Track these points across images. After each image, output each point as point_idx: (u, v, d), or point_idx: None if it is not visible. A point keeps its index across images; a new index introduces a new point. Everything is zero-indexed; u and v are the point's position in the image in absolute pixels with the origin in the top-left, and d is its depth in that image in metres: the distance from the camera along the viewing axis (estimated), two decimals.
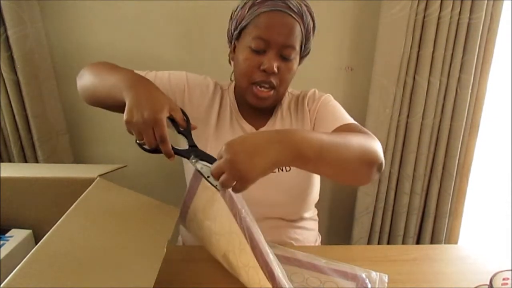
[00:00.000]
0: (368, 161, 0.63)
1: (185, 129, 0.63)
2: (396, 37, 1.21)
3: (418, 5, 1.19)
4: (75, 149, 1.36)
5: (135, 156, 1.40)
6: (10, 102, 1.16)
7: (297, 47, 0.75)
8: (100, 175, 0.60)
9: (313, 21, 0.77)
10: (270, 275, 0.53)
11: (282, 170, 0.80)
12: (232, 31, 0.78)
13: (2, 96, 1.15)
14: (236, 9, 0.77)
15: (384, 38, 1.22)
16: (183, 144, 0.63)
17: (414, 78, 1.28)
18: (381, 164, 0.65)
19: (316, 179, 0.86)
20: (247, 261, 0.56)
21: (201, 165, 0.58)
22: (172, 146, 0.59)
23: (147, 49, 1.27)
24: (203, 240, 0.66)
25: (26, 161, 1.25)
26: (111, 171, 0.64)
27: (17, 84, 1.15)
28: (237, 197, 0.58)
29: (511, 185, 1.47)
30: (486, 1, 1.18)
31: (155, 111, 0.57)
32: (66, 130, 1.30)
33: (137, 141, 0.61)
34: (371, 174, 0.65)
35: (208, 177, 0.56)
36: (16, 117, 1.18)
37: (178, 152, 0.60)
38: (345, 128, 0.74)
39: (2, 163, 0.84)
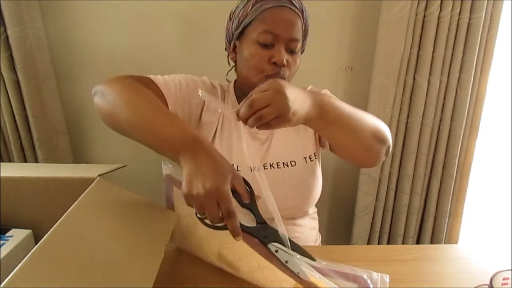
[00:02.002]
0: (381, 139, 0.68)
1: (250, 203, 0.54)
2: (396, 37, 1.21)
3: (418, 5, 1.19)
4: (75, 149, 1.36)
5: (135, 156, 1.40)
6: (10, 102, 1.16)
7: (300, 41, 0.77)
8: (100, 175, 0.60)
9: (308, 18, 0.80)
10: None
11: (288, 165, 0.81)
12: (233, 30, 0.79)
13: (2, 96, 1.15)
14: (236, 9, 0.78)
15: (384, 38, 1.22)
16: (246, 217, 0.54)
17: (414, 78, 1.28)
18: (389, 147, 0.71)
19: (320, 174, 0.87)
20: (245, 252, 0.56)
21: (275, 247, 0.52)
22: (240, 222, 0.51)
23: (147, 48, 1.27)
24: (194, 246, 0.65)
25: (26, 161, 1.25)
26: (111, 171, 0.64)
27: (17, 84, 1.15)
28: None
29: (511, 185, 1.47)
30: (486, 1, 1.18)
31: (219, 181, 0.49)
32: (66, 130, 1.30)
33: (198, 215, 0.52)
34: (381, 153, 0.70)
35: (286, 262, 0.51)
36: (16, 117, 1.18)
37: (246, 230, 0.52)
38: None
39: (2, 163, 0.84)
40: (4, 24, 1.08)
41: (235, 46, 0.81)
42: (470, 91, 1.28)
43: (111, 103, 0.62)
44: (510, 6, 1.24)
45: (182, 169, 0.52)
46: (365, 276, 0.63)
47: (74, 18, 1.22)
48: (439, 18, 1.20)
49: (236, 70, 0.85)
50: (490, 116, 1.39)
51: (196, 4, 1.23)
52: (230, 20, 0.80)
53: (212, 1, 1.23)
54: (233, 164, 0.77)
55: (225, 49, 0.85)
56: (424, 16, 1.20)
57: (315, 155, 0.85)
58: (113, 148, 1.39)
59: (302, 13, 0.76)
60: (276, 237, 0.53)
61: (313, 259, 0.51)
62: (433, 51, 1.24)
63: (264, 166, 0.80)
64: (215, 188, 0.48)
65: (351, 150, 0.71)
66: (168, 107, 0.73)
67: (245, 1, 0.76)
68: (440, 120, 1.34)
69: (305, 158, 0.83)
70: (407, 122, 1.34)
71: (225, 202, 0.48)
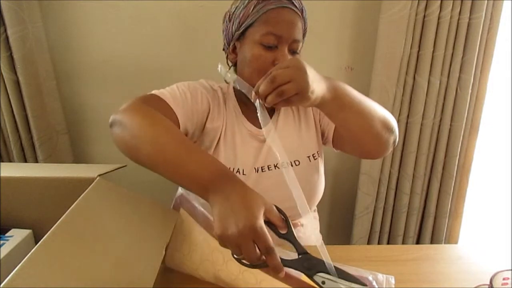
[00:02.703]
0: (389, 127, 0.72)
1: (287, 233, 0.50)
2: (396, 37, 1.21)
3: (418, 5, 1.19)
4: (75, 149, 1.36)
5: None
6: (10, 102, 1.16)
7: (302, 41, 0.77)
8: (100, 175, 0.60)
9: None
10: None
11: (292, 165, 0.81)
12: (233, 31, 0.78)
13: (2, 96, 1.15)
14: (235, 10, 0.77)
15: (384, 38, 1.22)
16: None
17: (414, 78, 1.28)
18: (396, 137, 0.74)
19: (323, 172, 0.87)
20: (238, 268, 0.56)
21: (322, 278, 0.49)
22: (280, 257, 0.47)
23: (146, 48, 1.27)
24: (192, 272, 0.65)
25: (26, 161, 1.25)
26: (111, 171, 0.64)
27: (17, 84, 1.15)
28: None
29: (511, 185, 1.47)
30: (486, 1, 1.18)
31: (252, 219, 0.45)
32: (66, 130, 1.30)
33: (234, 256, 0.48)
34: (389, 142, 0.73)
35: None
36: (16, 117, 1.18)
37: (288, 264, 0.48)
38: None
39: (2, 163, 0.84)
40: (4, 24, 1.08)
41: (234, 47, 0.80)
42: (470, 91, 1.28)
43: (131, 136, 0.59)
44: (510, 6, 1.24)
45: (212, 208, 0.49)
46: (370, 278, 0.63)
47: (74, 18, 1.22)
48: (439, 18, 1.20)
49: (235, 71, 0.85)
50: (490, 116, 1.39)
51: (196, 4, 1.23)
52: (229, 21, 0.79)
53: (212, 1, 1.23)
54: (238, 169, 0.77)
55: (223, 50, 0.85)
56: (424, 16, 1.20)
57: (318, 154, 0.85)
58: (113, 148, 1.38)
59: (302, 13, 0.76)
60: (321, 266, 0.49)
61: (364, 285, 0.48)
62: (433, 51, 1.24)
63: (268, 167, 0.80)
64: (249, 226, 0.45)
65: (361, 137, 0.71)
66: (179, 123, 0.70)
67: (246, 2, 0.75)
68: (440, 120, 1.34)
69: (308, 157, 0.83)
70: (407, 122, 1.34)
71: (262, 240, 0.45)
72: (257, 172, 0.79)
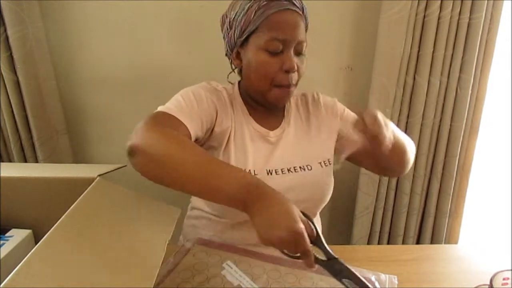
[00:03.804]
0: (413, 155, 0.82)
1: (317, 239, 0.55)
2: (396, 37, 1.21)
3: (418, 5, 1.19)
4: (75, 149, 1.36)
5: None
6: (10, 102, 1.16)
7: (306, 41, 0.77)
8: (100, 175, 0.60)
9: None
10: None
11: (304, 169, 0.81)
12: (236, 38, 0.77)
13: (2, 96, 1.15)
14: (235, 16, 0.76)
15: (384, 38, 1.22)
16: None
17: (414, 78, 1.28)
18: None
19: (332, 178, 0.86)
20: None
21: (348, 284, 0.53)
22: (314, 255, 0.53)
23: (146, 49, 1.27)
24: None
25: (26, 161, 1.25)
26: (111, 171, 0.64)
27: (17, 84, 1.15)
28: None
29: (511, 185, 1.47)
30: (486, 1, 1.18)
31: (294, 224, 0.49)
32: (66, 130, 1.30)
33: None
34: (410, 165, 0.83)
35: None
36: (16, 117, 1.18)
37: (319, 263, 0.54)
38: None
39: (2, 163, 0.84)
40: (4, 24, 1.08)
41: (238, 53, 0.80)
42: (470, 91, 1.28)
43: (157, 163, 0.58)
44: (510, 6, 1.24)
45: (252, 218, 0.51)
46: (373, 278, 0.63)
47: (74, 18, 1.22)
48: (439, 18, 1.20)
49: (240, 75, 0.84)
50: (490, 116, 1.39)
51: (196, 4, 1.23)
52: (230, 28, 0.78)
53: (212, 1, 1.23)
54: (249, 170, 0.76)
55: (226, 55, 0.84)
56: (424, 16, 1.20)
57: (329, 161, 0.85)
58: (113, 148, 1.39)
59: (303, 11, 0.75)
60: (347, 273, 0.53)
61: None
62: (433, 51, 1.24)
63: (282, 171, 0.79)
64: (293, 232, 0.49)
65: (395, 167, 0.83)
66: (190, 136, 0.69)
67: (245, 8, 0.74)
68: (440, 120, 1.34)
69: (319, 163, 0.83)
70: (407, 122, 1.34)
71: (301, 243, 0.49)
72: (269, 174, 0.78)
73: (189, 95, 0.75)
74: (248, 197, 0.52)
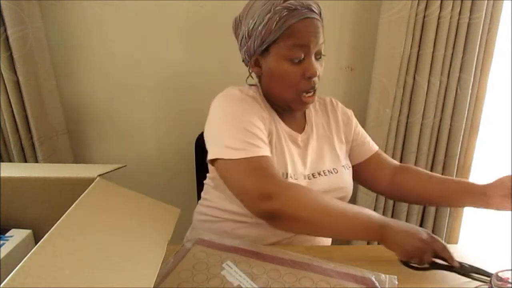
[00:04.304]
0: None
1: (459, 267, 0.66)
2: (396, 37, 1.21)
3: (418, 5, 1.19)
4: (75, 149, 1.36)
5: (135, 156, 1.40)
6: (10, 102, 1.16)
7: (324, 42, 0.79)
8: (100, 175, 0.60)
9: None
10: None
11: (332, 172, 0.84)
12: (255, 47, 0.77)
13: (2, 96, 1.15)
14: (254, 26, 0.75)
15: (384, 38, 1.22)
16: None
17: (414, 78, 1.28)
18: None
19: (352, 179, 0.90)
20: None
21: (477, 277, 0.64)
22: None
23: (146, 48, 1.28)
24: None
25: (26, 161, 1.25)
26: (111, 171, 0.64)
27: (17, 84, 1.15)
28: None
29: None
30: (486, 1, 1.18)
31: (423, 232, 0.65)
32: (66, 130, 1.30)
33: (402, 260, 0.66)
34: None
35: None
36: (16, 117, 1.18)
37: (448, 269, 0.66)
38: (379, 155, 0.94)
39: (2, 163, 0.84)
40: (4, 24, 1.08)
41: (257, 61, 0.80)
42: (470, 91, 1.28)
43: (304, 226, 0.69)
44: (510, 6, 1.24)
45: (387, 243, 0.65)
46: (373, 278, 0.63)
47: (74, 18, 1.22)
48: (439, 18, 1.20)
49: (259, 81, 0.85)
50: (490, 116, 1.38)
51: (196, 4, 1.23)
52: (249, 37, 0.77)
53: (212, 1, 1.23)
54: (288, 174, 0.77)
55: (243, 61, 0.84)
56: (424, 16, 1.21)
57: (348, 165, 0.89)
58: (113, 148, 1.39)
59: (320, 15, 0.76)
60: (475, 269, 0.65)
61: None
62: (433, 51, 1.24)
63: (313, 175, 0.81)
64: (428, 236, 0.65)
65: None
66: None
67: (266, 18, 0.73)
68: (440, 120, 1.34)
69: (343, 166, 0.86)
70: (407, 122, 1.34)
71: (438, 241, 0.65)
72: (306, 179, 0.80)
73: (247, 120, 0.73)
74: (380, 237, 0.65)
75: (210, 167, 0.85)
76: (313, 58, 0.75)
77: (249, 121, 0.73)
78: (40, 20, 1.16)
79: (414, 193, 0.89)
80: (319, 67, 0.78)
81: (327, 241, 0.92)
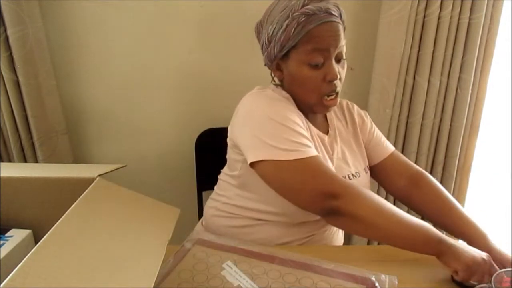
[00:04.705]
0: None
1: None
2: (396, 37, 1.21)
3: (418, 5, 1.19)
4: (75, 149, 1.36)
5: (135, 156, 1.40)
6: (10, 102, 1.16)
7: (345, 45, 0.78)
8: (100, 175, 0.60)
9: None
10: None
11: (355, 176, 0.83)
12: (276, 52, 0.77)
13: (2, 96, 1.15)
14: (273, 32, 0.76)
15: (384, 38, 1.22)
16: None
17: (414, 78, 1.28)
18: None
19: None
20: None
21: None
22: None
23: (147, 49, 1.27)
24: None
25: (26, 161, 1.25)
26: (111, 171, 0.64)
27: (17, 84, 1.15)
28: None
29: (511, 185, 1.47)
30: (486, 1, 1.18)
31: (482, 254, 0.64)
32: (66, 130, 1.30)
33: (456, 279, 0.65)
34: None
35: None
36: (16, 117, 1.18)
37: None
38: (395, 156, 0.92)
39: (2, 163, 0.84)
40: (4, 24, 1.08)
41: (278, 65, 0.81)
42: (470, 91, 1.28)
43: (362, 227, 0.69)
44: (510, 6, 1.24)
45: (448, 260, 0.64)
46: (373, 278, 0.63)
47: (74, 18, 1.22)
48: (439, 18, 1.20)
49: (282, 84, 0.85)
50: (490, 116, 1.39)
51: (196, 4, 1.23)
52: (269, 42, 0.78)
53: (212, 1, 1.23)
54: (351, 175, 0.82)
55: (265, 65, 0.84)
56: (424, 16, 1.21)
57: (368, 168, 0.89)
58: (113, 148, 1.39)
59: (341, 17, 0.76)
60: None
61: None
62: (433, 51, 1.24)
63: (343, 178, 0.79)
64: (486, 258, 0.63)
65: None
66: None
67: (284, 25, 0.73)
68: (440, 120, 1.34)
69: (364, 169, 0.87)
70: (407, 122, 1.34)
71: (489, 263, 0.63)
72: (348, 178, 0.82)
73: (290, 123, 0.73)
74: (439, 252, 0.65)
75: (233, 165, 0.83)
76: (333, 61, 0.75)
77: (293, 121, 0.73)
78: (40, 20, 1.16)
79: (419, 211, 0.89)
80: (341, 70, 0.78)
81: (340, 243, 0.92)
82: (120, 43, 1.26)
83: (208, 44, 1.28)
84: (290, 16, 0.72)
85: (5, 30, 1.09)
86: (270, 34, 0.77)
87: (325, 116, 0.89)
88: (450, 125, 1.33)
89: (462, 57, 1.25)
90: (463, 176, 1.43)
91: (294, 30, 0.72)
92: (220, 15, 1.25)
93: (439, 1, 1.17)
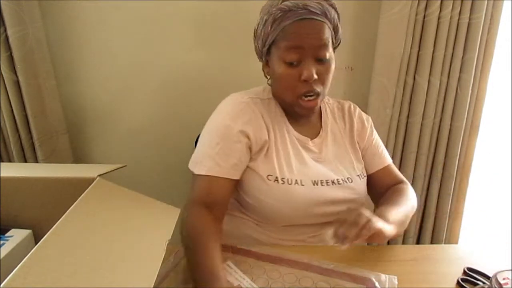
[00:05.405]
0: (413, 212, 0.80)
1: None
2: (396, 37, 1.21)
3: (418, 5, 1.19)
4: (75, 149, 1.36)
5: (135, 156, 1.40)
6: (10, 102, 1.16)
7: (330, 45, 0.74)
8: (100, 175, 0.60)
9: (336, 11, 0.76)
10: None
11: (346, 182, 0.81)
12: (260, 48, 0.78)
13: (2, 96, 1.15)
14: (257, 27, 0.77)
15: (384, 38, 1.22)
16: None
17: (414, 78, 1.28)
18: None
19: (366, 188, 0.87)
20: None
21: None
22: None
23: (146, 48, 1.27)
24: None
25: (26, 161, 1.25)
26: (111, 171, 0.64)
27: (17, 84, 1.15)
28: None
29: (511, 185, 1.47)
30: (486, 1, 1.18)
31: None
32: (66, 130, 1.30)
33: None
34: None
35: None
36: (16, 117, 1.18)
37: None
38: (388, 170, 0.88)
39: (2, 163, 0.84)
40: (4, 24, 1.08)
41: (267, 61, 0.80)
42: (470, 91, 1.28)
43: (184, 241, 0.68)
44: (510, 6, 1.24)
45: None
46: (373, 278, 0.63)
47: (74, 18, 1.22)
48: (439, 18, 1.20)
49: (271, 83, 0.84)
50: (490, 116, 1.39)
51: (196, 4, 1.23)
52: (255, 38, 0.79)
53: (212, 1, 1.23)
54: (296, 180, 0.76)
55: (261, 62, 0.85)
56: (424, 16, 1.20)
57: (363, 174, 0.86)
58: (113, 148, 1.39)
59: (326, 15, 0.72)
60: None
61: None
62: (433, 51, 1.24)
63: (326, 182, 0.79)
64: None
65: None
66: (234, 181, 0.77)
67: (264, 20, 0.74)
68: (440, 120, 1.34)
69: (358, 175, 0.83)
70: (407, 122, 1.34)
71: None
72: (315, 185, 0.78)
73: (219, 139, 0.76)
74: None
75: None
76: (310, 60, 0.72)
77: (228, 135, 0.76)
78: (40, 20, 1.16)
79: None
80: (324, 71, 0.74)
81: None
82: (120, 43, 1.26)
83: (209, 44, 1.28)
84: (269, 11, 0.73)
85: (5, 30, 1.09)
86: (255, 29, 0.78)
87: (320, 117, 0.87)
88: (450, 125, 1.33)
89: (462, 57, 1.25)
90: (463, 176, 1.43)
91: (271, 26, 0.72)
92: (220, 15, 1.25)
93: (439, 1, 1.17)
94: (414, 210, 0.80)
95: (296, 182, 0.76)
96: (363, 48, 1.32)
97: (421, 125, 1.33)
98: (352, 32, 1.31)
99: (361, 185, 0.83)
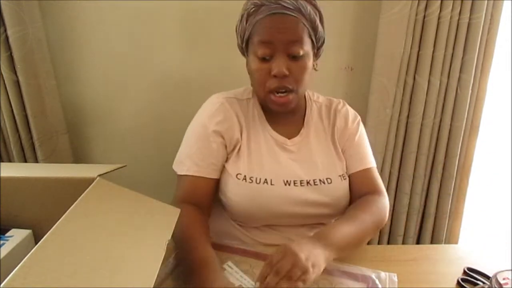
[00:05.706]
0: (378, 228, 0.77)
1: None
2: (396, 37, 1.21)
3: (418, 5, 1.19)
4: (75, 149, 1.36)
5: (135, 156, 1.40)
6: (10, 102, 1.16)
7: (305, 42, 0.72)
8: (100, 175, 0.60)
9: (316, 9, 0.75)
10: None
11: (324, 182, 0.79)
12: (240, 44, 0.79)
13: (2, 96, 1.15)
14: (237, 23, 0.78)
15: (384, 38, 1.22)
16: None
17: (414, 78, 1.28)
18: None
19: (348, 189, 0.83)
20: None
21: None
22: None
23: (146, 48, 1.27)
24: None
25: (26, 161, 1.25)
26: (111, 171, 0.64)
27: (17, 84, 1.15)
28: None
29: (511, 185, 1.47)
30: (486, 1, 1.18)
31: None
32: (66, 130, 1.30)
33: None
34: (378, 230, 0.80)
35: None
36: (16, 117, 1.18)
37: None
38: (366, 174, 0.82)
39: (2, 163, 0.84)
40: (4, 24, 1.08)
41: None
42: (470, 91, 1.28)
43: (176, 237, 0.67)
44: (510, 6, 1.24)
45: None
46: (373, 276, 0.63)
47: (74, 18, 1.22)
48: (439, 18, 1.20)
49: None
50: (490, 116, 1.39)
51: (196, 4, 1.23)
52: (236, 33, 0.79)
53: (212, 1, 1.23)
54: (265, 179, 0.76)
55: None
56: (424, 16, 1.20)
57: (345, 175, 0.83)
58: (113, 148, 1.39)
59: (300, 11, 0.71)
60: None
61: None
62: (433, 51, 1.24)
63: (301, 183, 0.77)
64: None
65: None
66: (212, 181, 0.79)
67: (240, 16, 0.75)
68: (440, 120, 1.34)
69: (339, 176, 0.81)
70: (407, 122, 1.34)
71: None
72: (287, 185, 0.77)
73: (196, 139, 0.80)
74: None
75: None
76: (281, 56, 0.70)
77: (204, 135, 0.79)
78: (40, 20, 1.16)
79: None
80: (297, 68, 0.72)
81: None
82: (120, 43, 1.26)
83: (208, 44, 1.28)
84: (245, 7, 0.74)
85: (5, 30, 1.09)
86: (236, 26, 0.79)
87: (304, 116, 0.85)
88: (450, 125, 1.33)
89: (462, 57, 1.25)
90: (463, 176, 1.43)
91: (246, 21, 0.73)
92: (218, 15, 1.24)
93: (439, 1, 1.17)
94: (381, 224, 0.76)
95: (266, 182, 0.76)
96: (363, 48, 1.32)
97: (421, 125, 1.33)
98: (352, 32, 1.31)
99: (341, 185, 0.80)
